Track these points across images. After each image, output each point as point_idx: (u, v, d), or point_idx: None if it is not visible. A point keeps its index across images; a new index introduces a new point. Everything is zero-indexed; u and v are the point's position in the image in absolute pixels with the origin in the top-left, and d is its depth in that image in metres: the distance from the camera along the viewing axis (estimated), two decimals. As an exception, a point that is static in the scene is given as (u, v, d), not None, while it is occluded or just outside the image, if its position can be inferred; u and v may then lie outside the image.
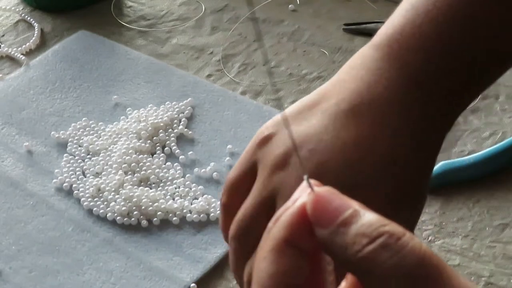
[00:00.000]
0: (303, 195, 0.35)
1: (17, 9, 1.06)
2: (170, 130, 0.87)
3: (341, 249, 0.33)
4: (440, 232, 0.74)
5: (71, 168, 0.83)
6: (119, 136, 0.86)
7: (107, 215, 0.78)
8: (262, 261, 0.35)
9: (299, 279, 0.35)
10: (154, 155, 0.84)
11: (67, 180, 0.82)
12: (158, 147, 0.85)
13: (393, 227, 0.33)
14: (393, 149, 0.50)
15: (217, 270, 0.74)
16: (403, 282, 0.32)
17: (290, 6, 1.03)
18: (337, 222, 0.33)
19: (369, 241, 0.32)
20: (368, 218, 0.33)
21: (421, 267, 0.32)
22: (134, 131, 0.85)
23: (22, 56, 0.98)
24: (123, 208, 0.78)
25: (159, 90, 0.92)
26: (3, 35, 1.03)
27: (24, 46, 1.00)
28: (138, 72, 0.95)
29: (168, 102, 0.90)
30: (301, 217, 0.34)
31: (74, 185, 0.81)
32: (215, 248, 0.75)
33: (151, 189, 0.80)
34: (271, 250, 0.34)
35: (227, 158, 0.83)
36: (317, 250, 0.35)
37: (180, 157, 0.84)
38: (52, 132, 0.87)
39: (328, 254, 0.35)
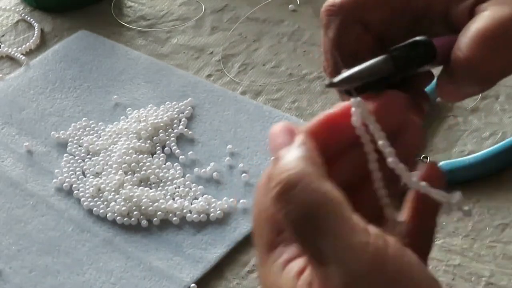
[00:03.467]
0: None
1: (17, 9, 1.06)
2: (170, 130, 0.87)
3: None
4: (440, 232, 0.74)
5: (71, 168, 0.83)
6: (119, 136, 0.86)
7: (107, 215, 0.78)
8: None
9: None
10: (154, 155, 0.84)
11: (67, 180, 0.82)
12: (158, 147, 0.85)
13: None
14: None
15: (217, 270, 0.74)
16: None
17: (290, 6, 1.03)
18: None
19: (275, 184, 0.36)
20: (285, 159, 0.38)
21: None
22: (134, 131, 0.85)
23: (22, 56, 0.98)
24: (123, 208, 0.78)
25: (159, 90, 0.92)
26: (3, 35, 1.03)
27: (24, 46, 1.00)
28: (138, 72, 0.95)
29: (168, 102, 0.89)
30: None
31: (74, 185, 0.81)
32: (215, 248, 0.75)
33: (151, 189, 0.80)
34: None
35: (227, 158, 0.83)
36: None
37: (180, 157, 0.84)
38: (52, 132, 0.87)
39: None
